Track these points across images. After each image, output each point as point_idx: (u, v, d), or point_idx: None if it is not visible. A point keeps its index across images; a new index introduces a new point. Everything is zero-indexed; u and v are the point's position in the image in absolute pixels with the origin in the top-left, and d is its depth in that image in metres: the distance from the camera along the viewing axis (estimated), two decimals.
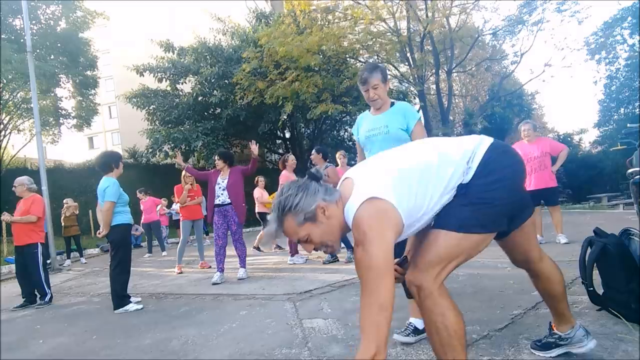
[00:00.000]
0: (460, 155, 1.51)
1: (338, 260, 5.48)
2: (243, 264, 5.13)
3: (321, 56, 13.36)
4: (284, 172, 5.96)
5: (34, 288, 4.91)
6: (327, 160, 5.61)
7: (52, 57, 15.68)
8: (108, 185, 4.15)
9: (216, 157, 5.41)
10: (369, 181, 1.48)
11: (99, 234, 4.34)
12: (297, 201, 1.45)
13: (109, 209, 4.11)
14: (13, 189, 5.08)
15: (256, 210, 7.83)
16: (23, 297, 4.92)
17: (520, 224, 1.64)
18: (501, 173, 1.50)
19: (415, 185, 1.45)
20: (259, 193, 7.85)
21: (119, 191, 4.22)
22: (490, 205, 1.46)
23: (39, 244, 4.92)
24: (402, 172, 1.48)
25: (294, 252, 5.86)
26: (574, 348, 1.88)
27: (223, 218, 5.13)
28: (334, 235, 1.51)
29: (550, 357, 1.93)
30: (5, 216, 5.05)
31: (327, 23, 13.70)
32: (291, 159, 6.12)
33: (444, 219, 1.50)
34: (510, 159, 1.58)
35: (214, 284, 4.76)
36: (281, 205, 1.47)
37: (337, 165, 5.92)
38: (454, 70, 15.28)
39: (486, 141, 1.58)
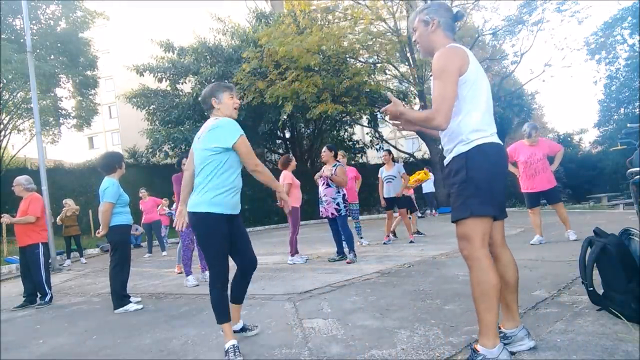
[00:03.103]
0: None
1: (345, 256, 5.50)
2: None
3: (321, 56, 13.35)
4: (284, 172, 5.97)
5: (36, 288, 4.92)
6: (337, 158, 5.81)
7: (52, 57, 15.70)
8: (108, 187, 4.17)
9: (185, 161, 5.31)
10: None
11: (98, 233, 4.35)
12: (429, 8, 2.07)
13: (107, 210, 4.13)
14: (12, 188, 5.10)
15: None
16: (24, 297, 4.93)
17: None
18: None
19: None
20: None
21: (118, 192, 4.23)
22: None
23: (40, 244, 4.92)
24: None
25: (294, 251, 5.87)
26: (515, 346, 2.02)
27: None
28: (425, 43, 2.10)
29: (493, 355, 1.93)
30: (5, 218, 5.05)
31: (327, 23, 13.69)
32: (294, 160, 6.18)
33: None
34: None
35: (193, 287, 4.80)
36: (422, 6, 2.14)
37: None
38: None
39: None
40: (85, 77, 17.16)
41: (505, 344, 1.98)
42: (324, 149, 5.82)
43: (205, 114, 2.85)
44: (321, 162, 5.95)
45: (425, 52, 2.14)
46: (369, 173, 12.00)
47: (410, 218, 7.60)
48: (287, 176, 5.90)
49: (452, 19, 2.08)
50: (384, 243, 6.96)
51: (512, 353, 1.99)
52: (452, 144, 2.00)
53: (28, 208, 4.90)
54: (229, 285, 2.65)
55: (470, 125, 1.94)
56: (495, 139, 1.99)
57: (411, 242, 6.76)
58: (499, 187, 1.95)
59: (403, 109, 1.98)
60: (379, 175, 7.19)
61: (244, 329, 2.80)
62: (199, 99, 2.86)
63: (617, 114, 20.00)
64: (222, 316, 2.50)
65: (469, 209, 1.90)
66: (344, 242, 6.20)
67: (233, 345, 2.43)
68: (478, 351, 1.87)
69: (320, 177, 5.68)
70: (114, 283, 4.12)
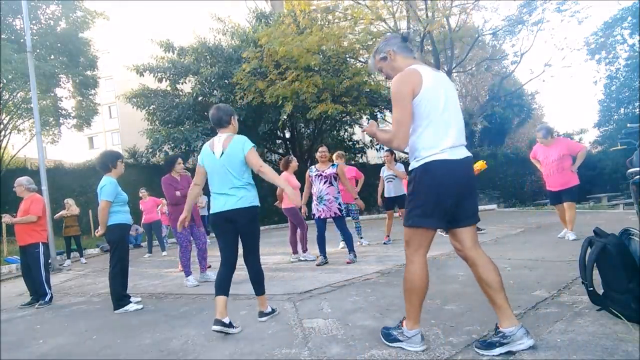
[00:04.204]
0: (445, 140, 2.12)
1: (327, 262, 5.44)
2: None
3: (321, 56, 13.33)
4: (284, 173, 5.94)
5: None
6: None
7: (52, 57, 15.66)
8: (105, 185, 4.17)
9: (180, 160, 5.31)
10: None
11: (97, 233, 4.35)
12: (380, 46, 2.35)
13: (104, 208, 4.13)
14: (14, 189, 5.12)
15: None
16: (30, 295, 4.95)
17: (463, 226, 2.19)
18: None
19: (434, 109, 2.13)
20: None
21: (115, 190, 4.22)
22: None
23: (40, 243, 4.93)
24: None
25: (294, 250, 5.88)
26: (514, 346, 2.03)
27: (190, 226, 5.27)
28: (391, 72, 2.29)
29: (493, 356, 2.01)
30: (6, 218, 5.07)
31: (327, 23, 13.67)
32: (295, 161, 6.12)
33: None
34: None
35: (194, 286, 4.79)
36: (375, 48, 2.40)
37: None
38: (453, 70, 15.29)
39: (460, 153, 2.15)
40: (85, 77, 17.12)
41: (504, 344, 2.01)
42: (324, 149, 5.58)
43: (216, 128, 3.17)
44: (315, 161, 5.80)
45: None
46: (369, 173, 11.97)
47: None
48: (281, 178, 5.88)
49: (403, 41, 2.33)
50: (384, 243, 6.95)
51: (512, 352, 2.00)
52: (411, 159, 2.22)
53: (30, 208, 4.92)
54: (220, 282, 2.94)
55: (422, 143, 2.11)
56: (447, 154, 2.07)
57: None
58: (446, 201, 2.08)
59: (375, 129, 2.28)
60: (381, 175, 7.20)
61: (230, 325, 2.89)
62: (218, 113, 3.09)
63: (617, 114, 19.97)
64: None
65: (410, 219, 2.15)
66: (342, 242, 6.19)
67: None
68: (402, 326, 2.28)
69: (320, 175, 5.42)
70: (114, 284, 4.11)
